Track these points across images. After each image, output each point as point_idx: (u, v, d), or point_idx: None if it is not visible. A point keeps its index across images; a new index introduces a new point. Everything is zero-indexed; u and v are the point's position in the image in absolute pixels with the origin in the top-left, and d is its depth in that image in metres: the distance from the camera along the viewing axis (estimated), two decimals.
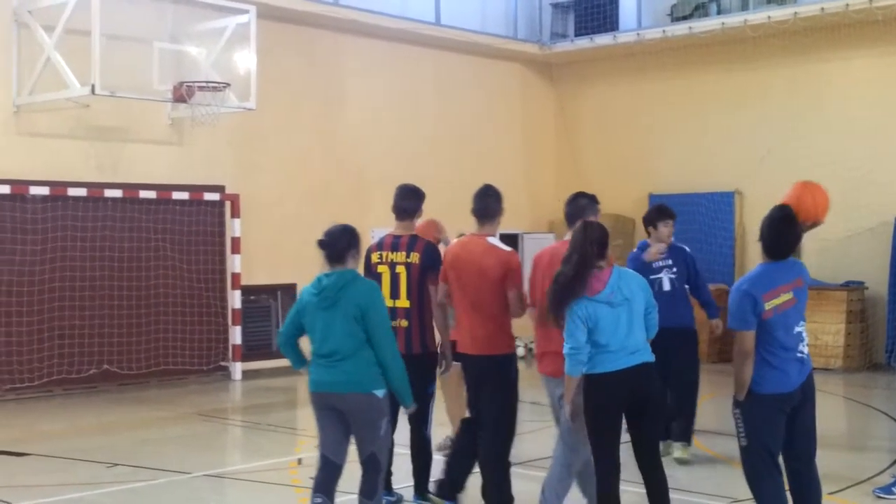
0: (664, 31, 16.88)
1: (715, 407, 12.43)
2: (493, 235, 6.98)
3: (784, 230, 5.71)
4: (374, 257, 7.38)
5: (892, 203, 15.12)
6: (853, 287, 15.15)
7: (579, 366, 5.93)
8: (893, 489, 7.61)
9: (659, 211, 9.16)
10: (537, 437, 9.33)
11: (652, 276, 8.66)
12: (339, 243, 6.07)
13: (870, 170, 15.43)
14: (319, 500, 6.07)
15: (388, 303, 7.16)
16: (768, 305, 5.58)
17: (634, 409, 6.02)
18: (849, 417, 12.06)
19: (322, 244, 6.07)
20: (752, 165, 16.44)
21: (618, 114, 18.27)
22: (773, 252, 5.71)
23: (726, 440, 9.87)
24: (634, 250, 9.09)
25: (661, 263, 8.88)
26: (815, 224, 6.07)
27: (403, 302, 7.24)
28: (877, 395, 13.19)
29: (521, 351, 14.55)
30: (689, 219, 15.97)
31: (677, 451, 8.81)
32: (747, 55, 16.53)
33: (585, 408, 6.02)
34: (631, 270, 6.28)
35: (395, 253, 7.31)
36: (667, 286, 8.83)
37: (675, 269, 8.92)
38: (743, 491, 7.71)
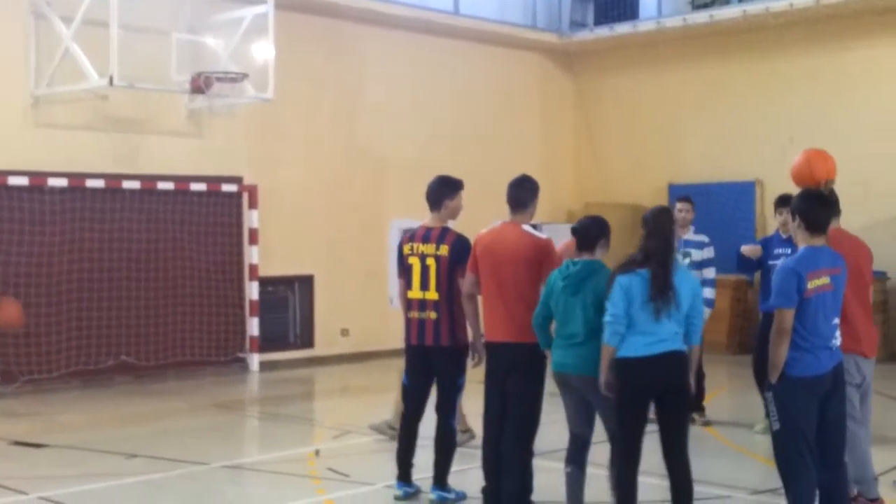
0: (685, 20, 16.72)
1: (731, 398, 12.37)
2: (527, 224, 6.92)
3: (817, 203, 5.94)
4: (406, 249, 7.37)
5: None
6: (875, 278, 14.88)
7: (616, 336, 5.97)
8: None
9: (778, 199, 9.43)
10: (555, 428, 9.25)
11: (770, 262, 9.16)
12: (590, 231, 6.41)
13: (892, 159, 15.27)
14: (569, 469, 6.52)
15: (418, 294, 7.26)
16: (811, 285, 5.66)
17: (663, 398, 6.04)
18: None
19: (575, 231, 6.44)
20: (774, 155, 16.23)
21: (638, 103, 18.14)
22: (812, 224, 5.83)
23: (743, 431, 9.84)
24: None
25: (780, 251, 9.18)
26: (829, 181, 6.91)
27: (433, 294, 7.22)
28: None
29: None
30: (710, 209, 15.84)
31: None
32: (769, 43, 16.37)
33: (616, 391, 6.05)
34: (689, 272, 6.36)
35: (425, 245, 7.28)
36: None
37: None
38: (760, 482, 7.65)
